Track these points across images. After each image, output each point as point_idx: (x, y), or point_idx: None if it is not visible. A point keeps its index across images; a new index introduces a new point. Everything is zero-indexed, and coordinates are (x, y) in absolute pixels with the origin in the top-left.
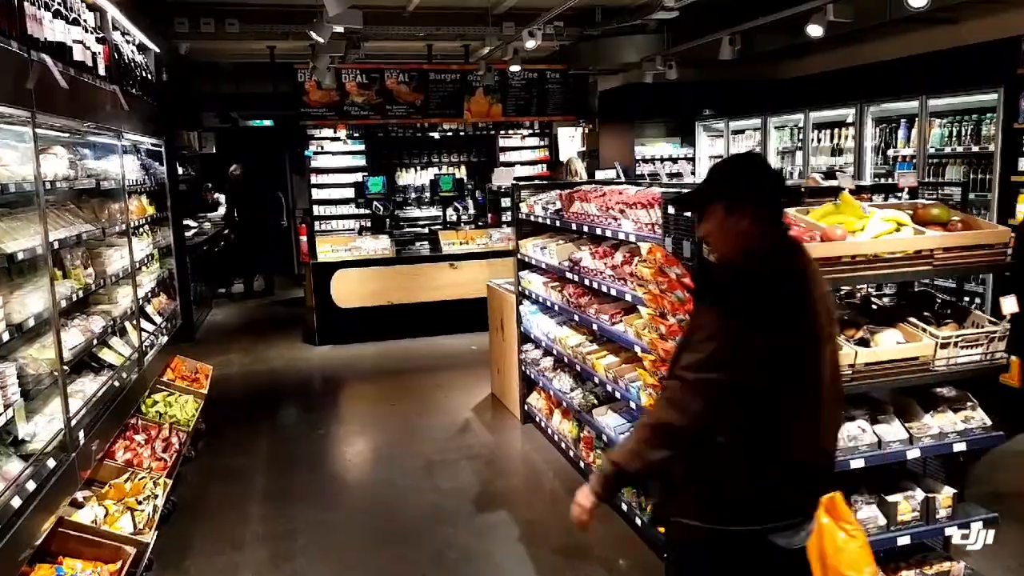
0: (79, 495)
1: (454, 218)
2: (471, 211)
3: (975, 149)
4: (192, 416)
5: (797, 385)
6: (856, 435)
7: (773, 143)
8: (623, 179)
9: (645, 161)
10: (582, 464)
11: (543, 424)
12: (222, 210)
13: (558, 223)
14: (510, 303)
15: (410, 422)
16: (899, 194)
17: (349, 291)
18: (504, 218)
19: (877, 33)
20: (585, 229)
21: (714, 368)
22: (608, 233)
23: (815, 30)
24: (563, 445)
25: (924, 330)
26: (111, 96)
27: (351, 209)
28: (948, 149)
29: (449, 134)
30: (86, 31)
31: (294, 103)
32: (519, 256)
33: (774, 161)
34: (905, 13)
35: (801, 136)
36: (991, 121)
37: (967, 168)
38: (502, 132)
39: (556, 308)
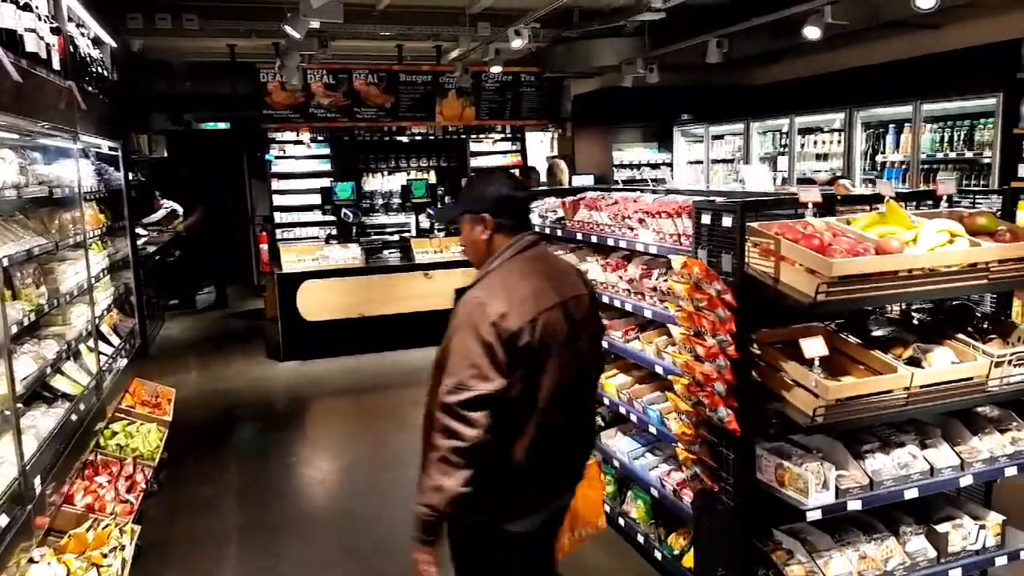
0: (36, 552)
1: (426, 225)
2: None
3: (969, 155)
4: (156, 448)
5: (531, 391)
6: (907, 462)
7: (755, 148)
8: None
9: (623, 166)
10: None
11: None
12: (160, 214)
13: (559, 232)
14: None
15: (389, 445)
16: (929, 202)
17: (317, 303)
18: None
19: (860, 38)
20: (593, 239)
21: (474, 384)
22: (623, 244)
23: (812, 32)
24: None
25: (975, 347)
26: (67, 93)
27: (316, 216)
28: (940, 155)
29: (418, 138)
30: (39, 19)
31: (255, 104)
32: None
33: (756, 166)
34: (893, 17)
35: (784, 141)
36: (985, 126)
37: (960, 174)
38: (472, 136)
39: None
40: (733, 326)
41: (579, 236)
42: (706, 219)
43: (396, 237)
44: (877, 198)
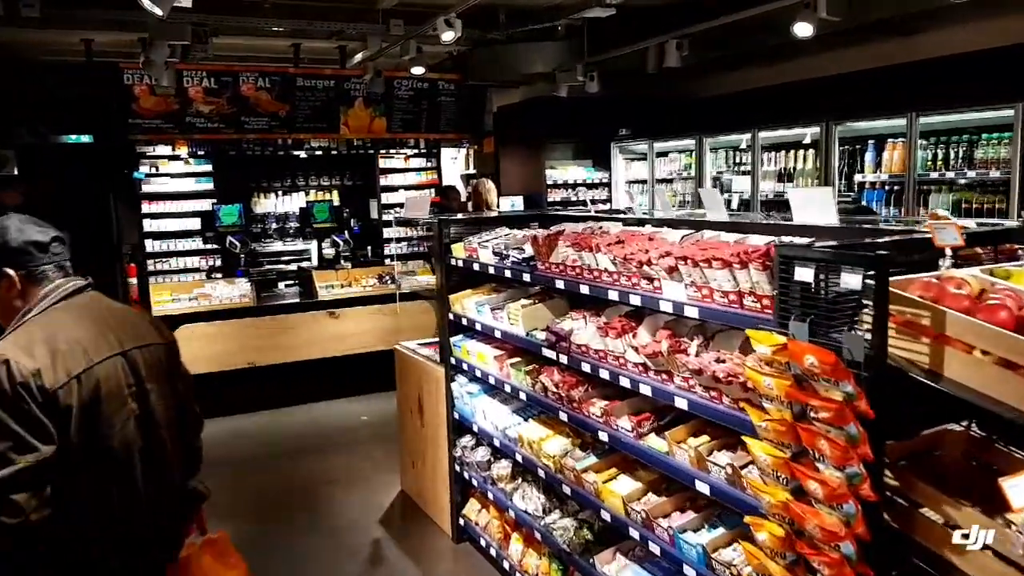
0: None
1: (332, 254)
2: (351, 243)
3: (971, 174)
4: None
5: (93, 453)
6: None
7: (709, 167)
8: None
9: (557, 187)
10: None
11: (491, 549)
12: None
13: (525, 275)
14: (434, 378)
15: (296, 548)
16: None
17: (195, 352)
18: (388, 251)
19: (834, 44)
20: (584, 290)
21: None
22: (633, 300)
23: (804, 29)
24: None
25: None
26: None
27: (197, 244)
28: (935, 174)
29: (319, 153)
30: None
31: (119, 113)
32: (451, 315)
33: (709, 187)
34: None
35: (740, 159)
36: (989, 142)
37: (957, 196)
38: (383, 152)
39: (523, 396)
40: (868, 450)
41: (559, 284)
42: (804, 274)
43: (294, 268)
44: (1003, 235)
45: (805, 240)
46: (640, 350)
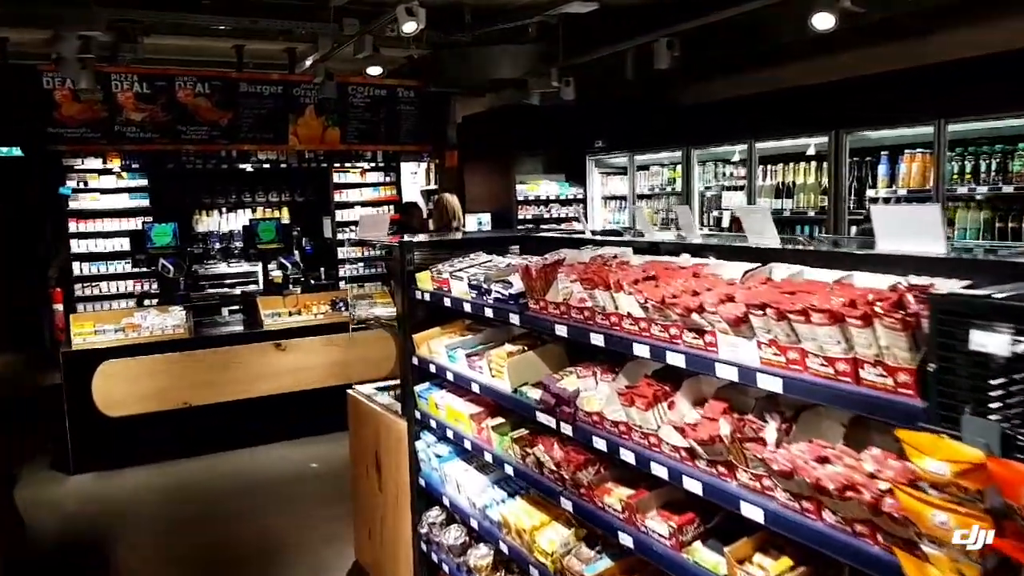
0: None
1: (279, 277)
2: (301, 266)
3: (1008, 189)
4: None
5: None
6: None
7: (697, 182)
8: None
9: (528, 203)
10: None
11: None
12: None
13: (513, 318)
14: (395, 433)
15: None
16: None
17: (122, 391)
18: (343, 272)
19: (835, 45)
20: (597, 340)
21: None
22: (675, 360)
23: (824, 21)
24: None
25: None
26: None
27: (130, 266)
28: (963, 188)
29: (267, 166)
30: None
31: (38, 121)
32: (415, 359)
33: (699, 207)
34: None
35: (729, 172)
36: None
37: (989, 214)
38: (336, 165)
39: (508, 469)
40: None
41: (558, 330)
42: (987, 341)
43: (239, 291)
44: None
45: (957, 284)
46: (686, 431)
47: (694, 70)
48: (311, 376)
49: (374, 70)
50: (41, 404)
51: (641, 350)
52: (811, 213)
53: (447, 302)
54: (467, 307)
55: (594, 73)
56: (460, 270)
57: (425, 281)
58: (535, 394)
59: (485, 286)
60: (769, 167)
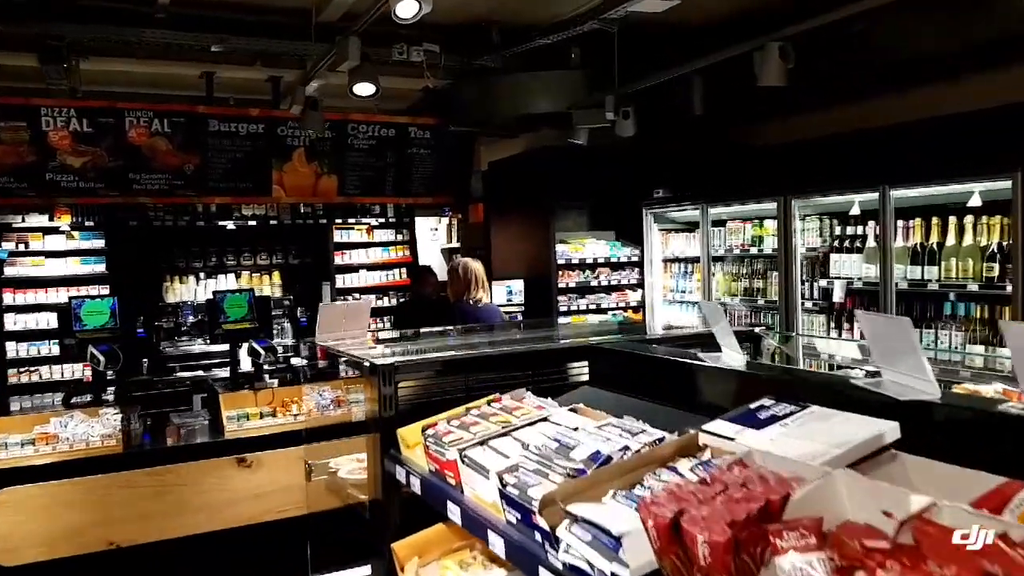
0: None
1: (246, 364)
2: (278, 351)
3: None
4: None
5: None
6: None
7: (800, 241)
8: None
9: (571, 267)
10: None
11: None
12: None
13: None
14: None
15: None
16: None
17: (24, 531)
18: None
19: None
20: None
21: None
22: None
23: None
24: None
25: None
26: None
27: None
28: None
29: (253, 223)
30: None
31: None
32: None
33: (799, 274)
34: None
35: (844, 230)
36: None
37: None
38: (338, 221)
39: None
40: None
41: None
42: None
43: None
44: None
45: None
46: None
47: (791, 97)
48: (286, 499)
49: (364, 88)
50: None
51: None
52: (973, 287)
53: (453, 513)
54: (498, 544)
55: (654, 105)
56: (484, 441)
57: (415, 452)
58: None
59: (543, 525)
60: (899, 222)
